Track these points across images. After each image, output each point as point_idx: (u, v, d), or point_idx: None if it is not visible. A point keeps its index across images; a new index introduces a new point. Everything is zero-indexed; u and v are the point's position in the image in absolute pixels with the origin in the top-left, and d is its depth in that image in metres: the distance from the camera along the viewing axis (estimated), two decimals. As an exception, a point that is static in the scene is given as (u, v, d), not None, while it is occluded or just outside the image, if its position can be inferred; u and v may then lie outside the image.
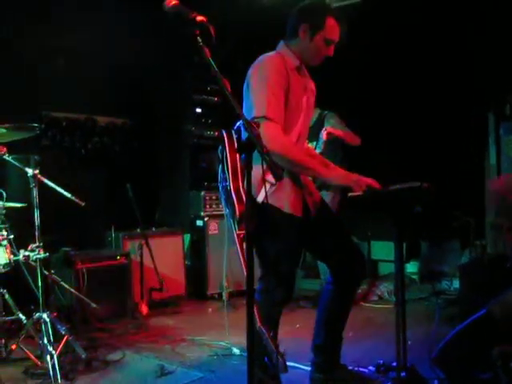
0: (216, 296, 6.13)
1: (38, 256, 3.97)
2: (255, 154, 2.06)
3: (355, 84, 6.41)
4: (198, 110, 6.81)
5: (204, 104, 6.80)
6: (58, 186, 4.26)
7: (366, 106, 6.36)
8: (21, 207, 4.36)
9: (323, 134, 5.18)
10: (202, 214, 6.27)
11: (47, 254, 4.05)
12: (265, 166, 2.14)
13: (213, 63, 2.19)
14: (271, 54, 3.12)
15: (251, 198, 2.18)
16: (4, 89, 5.52)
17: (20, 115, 5.64)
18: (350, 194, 2.89)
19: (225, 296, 5.46)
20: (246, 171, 2.09)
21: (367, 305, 5.85)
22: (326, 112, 5.56)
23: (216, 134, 6.83)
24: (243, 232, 2.89)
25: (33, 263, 4.04)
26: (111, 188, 6.38)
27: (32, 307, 4.34)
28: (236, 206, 2.85)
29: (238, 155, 2.88)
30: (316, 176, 3.11)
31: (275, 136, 2.90)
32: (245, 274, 2.18)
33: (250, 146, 2.04)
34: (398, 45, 6.18)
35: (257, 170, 2.23)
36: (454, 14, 5.77)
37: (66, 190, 4.26)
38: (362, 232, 6.98)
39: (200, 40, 2.23)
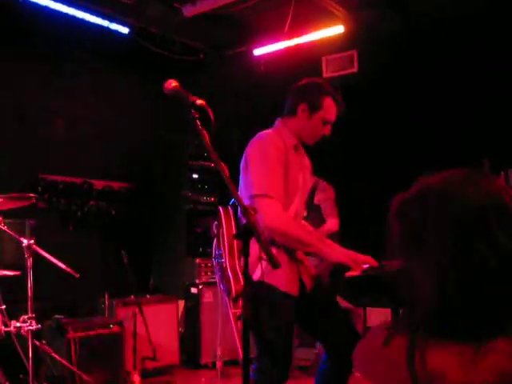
0: (210, 365, 5.99)
1: (30, 328, 3.90)
2: None
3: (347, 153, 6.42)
4: (195, 176, 6.83)
5: (201, 170, 6.82)
6: (53, 250, 4.22)
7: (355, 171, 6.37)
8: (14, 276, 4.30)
9: None
10: (197, 281, 6.23)
11: (39, 325, 3.98)
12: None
13: (212, 148, 2.20)
14: (269, 131, 3.13)
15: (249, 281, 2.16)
16: (1, 149, 5.59)
17: (17, 178, 5.70)
18: (347, 275, 2.85)
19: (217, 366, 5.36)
20: (244, 257, 2.08)
21: (363, 376, 5.69)
22: (316, 179, 5.57)
23: (212, 199, 6.84)
24: (238, 310, 2.86)
25: (24, 334, 3.96)
26: (106, 253, 6.35)
27: (21, 376, 4.24)
28: (232, 284, 2.82)
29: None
30: (315, 252, 3.07)
31: (276, 213, 2.90)
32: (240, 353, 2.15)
33: (247, 234, 2.03)
34: (390, 116, 6.22)
35: (253, 248, 2.19)
36: (450, 88, 5.85)
37: (61, 256, 4.22)
38: (357, 298, 6.88)
39: (199, 123, 2.25)
